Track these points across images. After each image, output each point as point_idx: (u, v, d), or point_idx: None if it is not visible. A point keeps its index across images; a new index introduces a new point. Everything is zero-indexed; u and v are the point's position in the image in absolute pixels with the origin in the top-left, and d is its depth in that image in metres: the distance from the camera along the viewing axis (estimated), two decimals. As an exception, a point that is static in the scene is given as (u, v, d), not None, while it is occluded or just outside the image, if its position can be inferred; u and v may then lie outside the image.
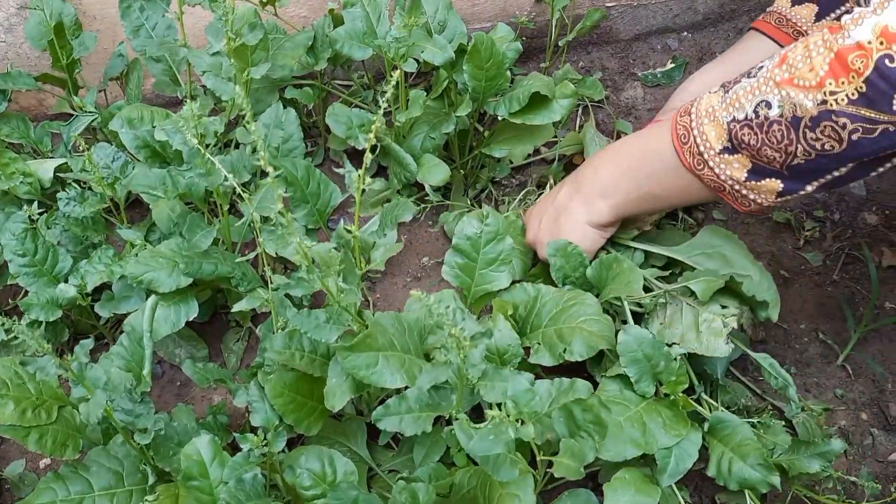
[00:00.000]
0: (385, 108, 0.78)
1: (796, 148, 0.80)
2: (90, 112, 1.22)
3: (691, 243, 1.06)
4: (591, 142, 1.33)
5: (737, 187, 0.89)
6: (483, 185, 1.38)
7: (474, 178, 1.37)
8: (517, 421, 0.72)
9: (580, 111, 1.47)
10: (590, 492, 0.88)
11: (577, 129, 1.43)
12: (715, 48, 1.57)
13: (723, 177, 0.88)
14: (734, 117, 0.85)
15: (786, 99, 0.78)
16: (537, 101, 1.14)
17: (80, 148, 1.00)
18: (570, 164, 1.40)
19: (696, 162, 0.90)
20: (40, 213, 1.17)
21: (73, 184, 1.13)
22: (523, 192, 1.33)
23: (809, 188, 0.86)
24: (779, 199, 0.88)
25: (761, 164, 0.85)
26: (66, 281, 1.07)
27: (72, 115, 1.33)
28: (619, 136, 1.42)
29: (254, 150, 0.98)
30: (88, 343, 0.82)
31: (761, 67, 0.84)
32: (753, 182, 0.87)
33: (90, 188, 1.10)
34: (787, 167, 0.83)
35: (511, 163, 1.38)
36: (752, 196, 0.89)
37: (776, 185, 0.85)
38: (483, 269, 0.99)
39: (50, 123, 1.27)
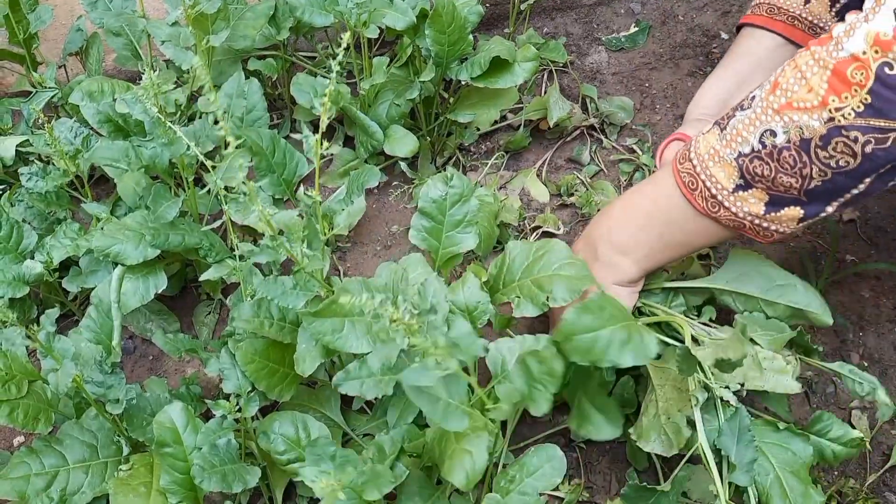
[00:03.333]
0: (339, 72, 0.78)
1: (811, 170, 0.78)
2: (50, 88, 1.21)
3: (726, 269, 1.01)
4: (555, 106, 1.34)
5: (756, 221, 0.86)
6: (450, 152, 1.38)
7: (441, 146, 1.38)
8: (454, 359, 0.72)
9: (545, 76, 1.47)
10: (555, 446, 0.89)
11: (542, 94, 1.44)
12: (677, 11, 1.58)
13: (741, 214, 0.86)
14: (740, 152, 0.83)
15: (790, 124, 0.77)
16: (499, 65, 1.15)
17: (41, 123, 0.99)
18: (536, 130, 1.41)
19: (710, 205, 0.87)
20: (2, 191, 1.16)
21: (35, 160, 1.12)
22: (493, 158, 1.35)
23: (830, 209, 0.83)
24: (801, 225, 0.86)
25: (778, 194, 0.83)
26: (32, 257, 1.07)
27: (32, 92, 1.31)
28: (583, 101, 1.43)
29: (216, 121, 0.98)
30: (54, 312, 0.82)
31: (753, 97, 0.82)
32: (773, 213, 0.85)
33: (52, 163, 1.10)
34: (805, 191, 0.81)
35: (478, 129, 1.39)
36: (773, 227, 0.86)
37: (796, 212, 0.83)
38: (450, 231, 1.00)
39: (10, 101, 1.25)
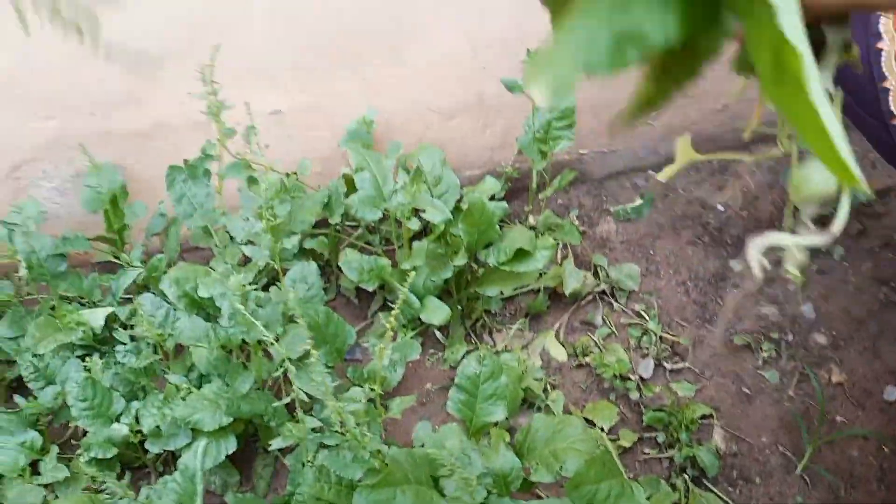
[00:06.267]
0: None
1: None
2: (136, 267, 1.41)
3: None
4: (570, 277, 1.53)
5: None
6: (478, 315, 1.56)
7: (470, 309, 1.56)
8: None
9: (561, 245, 1.67)
10: None
11: (559, 262, 1.63)
12: (677, 184, 1.79)
13: None
14: None
15: None
16: (522, 252, 1.34)
17: (136, 312, 1.18)
18: (553, 294, 1.59)
19: None
20: (87, 355, 1.34)
21: (123, 331, 1.30)
22: (516, 324, 1.52)
23: None
24: None
25: None
26: (118, 420, 1.23)
27: (113, 262, 1.52)
28: (595, 268, 1.62)
29: (291, 318, 1.16)
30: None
31: None
32: None
33: (136, 339, 1.28)
34: None
35: (502, 293, 1.57)
36: None
37: None
38: (482, 403, 1.16)
39: (100, 277, 1.45)
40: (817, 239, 0.45)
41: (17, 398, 1.28)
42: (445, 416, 1.39)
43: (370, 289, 1.47)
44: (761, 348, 1.49)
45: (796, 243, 0.45)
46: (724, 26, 0.33)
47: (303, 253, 1.49)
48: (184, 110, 1.44)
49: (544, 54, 0.33)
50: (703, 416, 1.40)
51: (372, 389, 0.93)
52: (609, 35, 0.31)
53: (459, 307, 1.52)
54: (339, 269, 1.52)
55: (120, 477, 1.27)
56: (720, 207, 1.75)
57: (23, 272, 1.28)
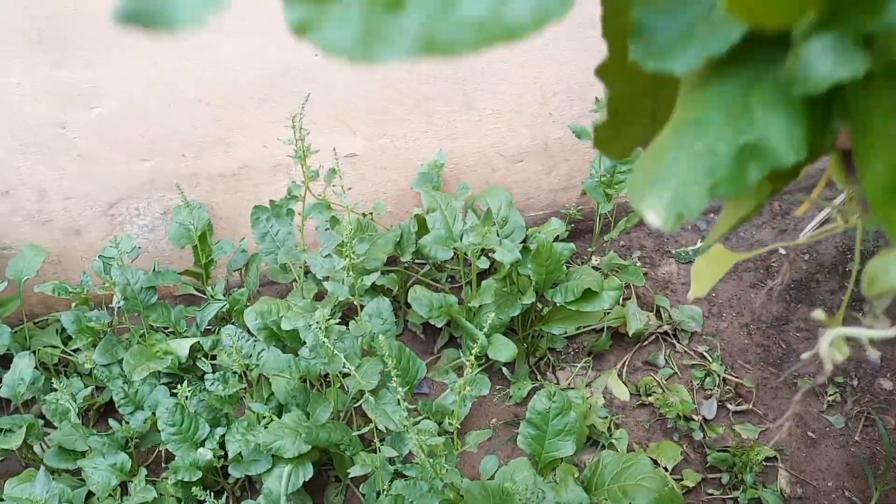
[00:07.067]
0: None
1: None
2: (220, 300, 1.49)
3: None
4: (633, 317, 1.56)
5: None
6: (542, 353, 1.60)
7: (534, 347, 1.60)
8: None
9: (623, 284, 1.70)
10: None
11: (622, 303, 1.66)
12: (739, 227, 1.82)
13: None
14: None
15: None
16: (589, 292, 1.38)
17: (218, 342, 1.25)
18: (616, 333, 1.62)
19: None
20: (171, 382, 1.42)
21: (207, 361, 1.38)
22: (580, 363, 1.56)
23: None
24: None
25: None
26: (203, 445, 1.30)
27: (195, 295, 1.60)
28: (657, 309, 1.64)
29: (371, 341, 1.22)
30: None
31: None
32: None
33: (221, 369, 1.35)
34: None
35: (566, 332, 1.61)
36: None
37: None
38: (552, 439, 1.20)
39: (186, 309, 1.53)
40: (891, 332, 0.44)
41: (112, 422, 1.36)
42: (510, 451, 1.42)
43: (438, 325, 1.53)
44: (826, 392, 1.49)
45: (870, 336, 0.44)
46: (832, 134, 0.29)
47: (373, 289, 1.56)
48: (266, 153, 1.54)
49: (649, 166, 0.28)
50: (767, 459, 1.41)
51: (451, 423, 0.98)
52: (729, 148, 0.26)
53: (524, 345, 1.57)
54: (408, 304, 1.59)
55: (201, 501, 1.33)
56: (782, 251, 1.76)
57: (120, 303, 1.37)
